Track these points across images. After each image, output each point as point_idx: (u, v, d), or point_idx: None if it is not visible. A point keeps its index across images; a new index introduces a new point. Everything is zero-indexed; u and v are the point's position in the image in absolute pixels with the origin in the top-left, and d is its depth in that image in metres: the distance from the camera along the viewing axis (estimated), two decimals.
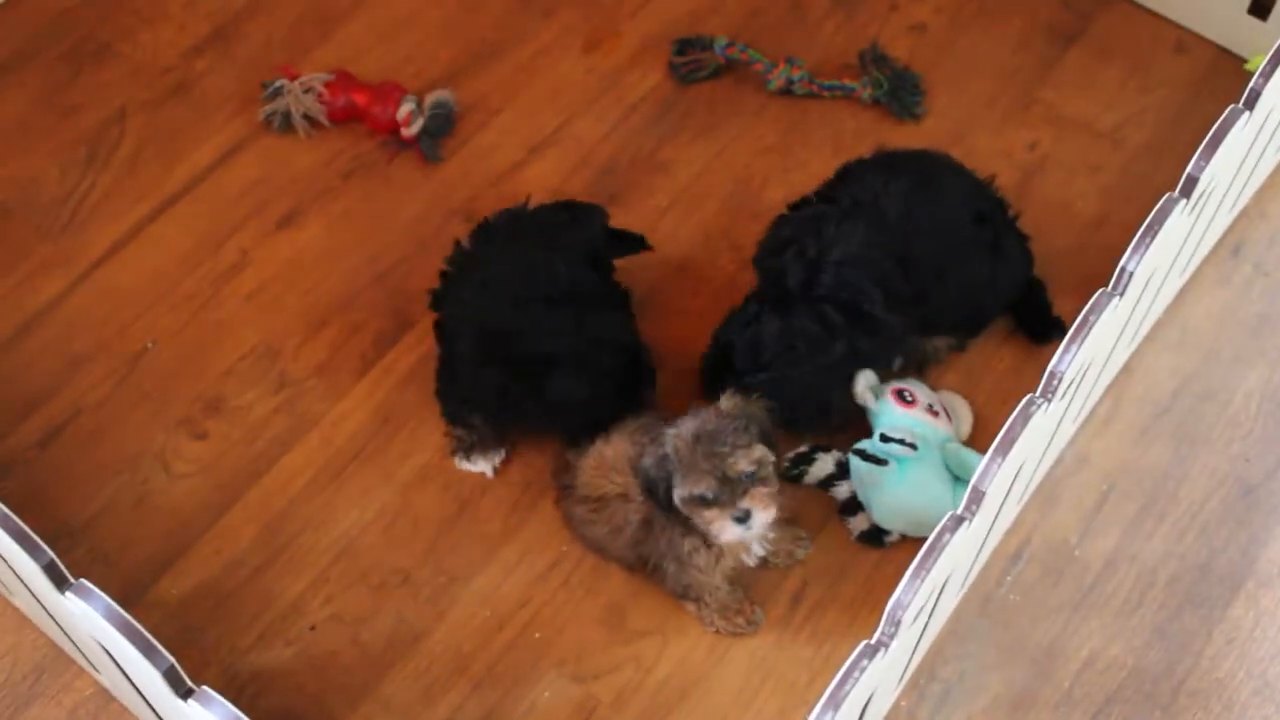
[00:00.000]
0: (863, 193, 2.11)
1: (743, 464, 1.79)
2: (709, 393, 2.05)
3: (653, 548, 1.96)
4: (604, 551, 2.05)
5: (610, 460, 1.98)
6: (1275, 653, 2.02)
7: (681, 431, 1.82)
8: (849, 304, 2.04)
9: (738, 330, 2.09)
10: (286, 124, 2.45)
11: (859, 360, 2.09)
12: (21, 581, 1.71)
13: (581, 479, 2.01)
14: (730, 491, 1.79)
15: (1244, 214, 2.38)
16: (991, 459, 1.58)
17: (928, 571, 1.51)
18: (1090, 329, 1.66)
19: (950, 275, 2.10)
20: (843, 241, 2.05)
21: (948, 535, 1.54)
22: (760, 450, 1.81)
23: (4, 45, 2.58)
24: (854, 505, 2.09)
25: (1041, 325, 2.24)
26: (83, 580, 1.53)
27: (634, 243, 2.25)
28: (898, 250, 2.07)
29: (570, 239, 2.12)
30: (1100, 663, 2.01)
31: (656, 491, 1.84)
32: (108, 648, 1.59)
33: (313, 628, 2.04)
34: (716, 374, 2.10)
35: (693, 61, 2.52)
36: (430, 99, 2.46)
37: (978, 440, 2.15)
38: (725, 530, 1.82)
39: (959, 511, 1.57)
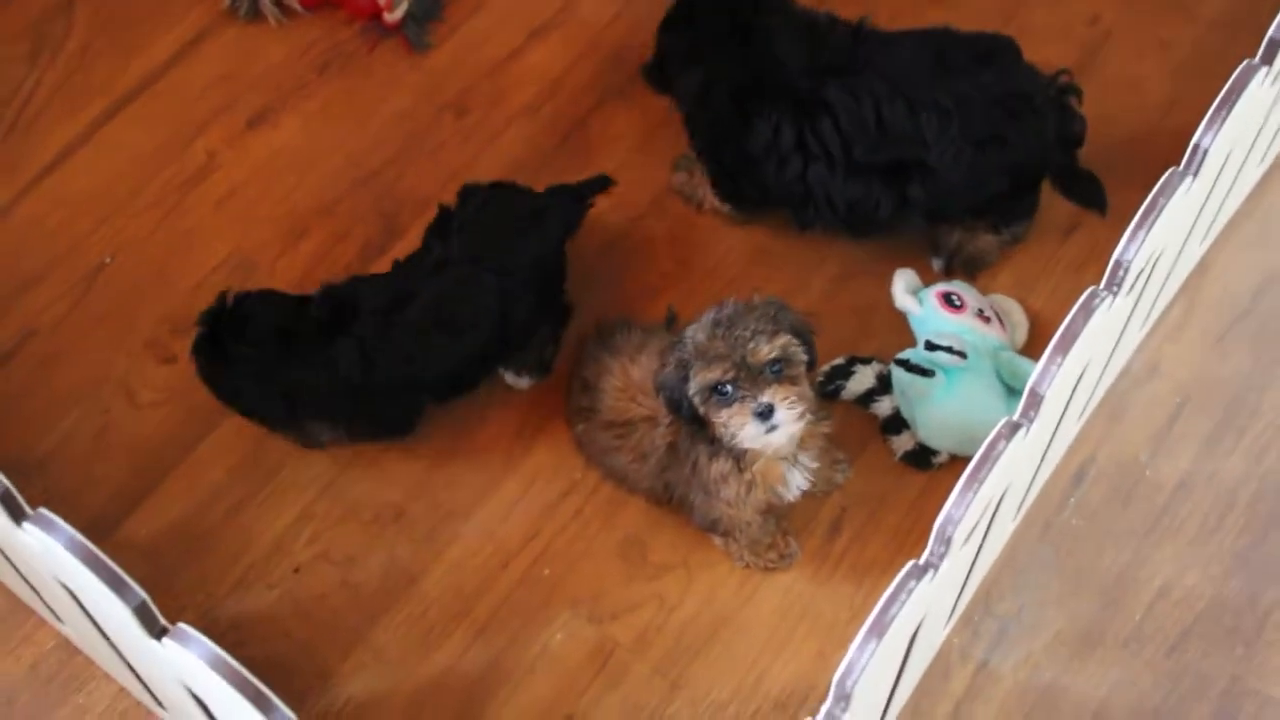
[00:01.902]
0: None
1: (764, 350, 1.77)
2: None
3: (678, 475, 1.97)
4: (626, 481, 2.07)
5: (638, 381, 1.98)
6: None
7: (701, 323, 1.82)
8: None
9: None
10: (254, 10, 2.46)
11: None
12: None
13: (606, 402, 2.01)
14: (751, 382, 1.78)
15: None
16: (1050, 358, 1.59)
17: (980, 483, 1.52)
18: (1160, 212, 1.66)
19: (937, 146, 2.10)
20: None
21: (1003, 443, 1.54)
22: (785, 339, 1.79)
23: None
24: (897, 423, 2.10)
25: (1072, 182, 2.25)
26: (42, 510, 1.54)
27: (598, 185, 2.24)
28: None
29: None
30: (1175, 593, 2.02)
31: (677, 400, 1.83)
32: (71, 586, 1.60)
33: (297, 569, 2.06)
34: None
35: None
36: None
37: (1034, 349, 2.15)
38: (745, 429, 1.79)
39: (1015, 418, 1.58)
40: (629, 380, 1.99)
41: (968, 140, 2.06)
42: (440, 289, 2.01)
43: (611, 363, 2.02)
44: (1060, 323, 1.66)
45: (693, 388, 1.79)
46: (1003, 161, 2.09)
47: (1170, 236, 1.80)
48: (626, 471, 2.04)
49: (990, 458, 1.54)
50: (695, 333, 1.81)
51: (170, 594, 2.03)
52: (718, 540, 2.03)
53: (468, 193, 2.11)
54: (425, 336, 2.00)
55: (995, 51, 2.13)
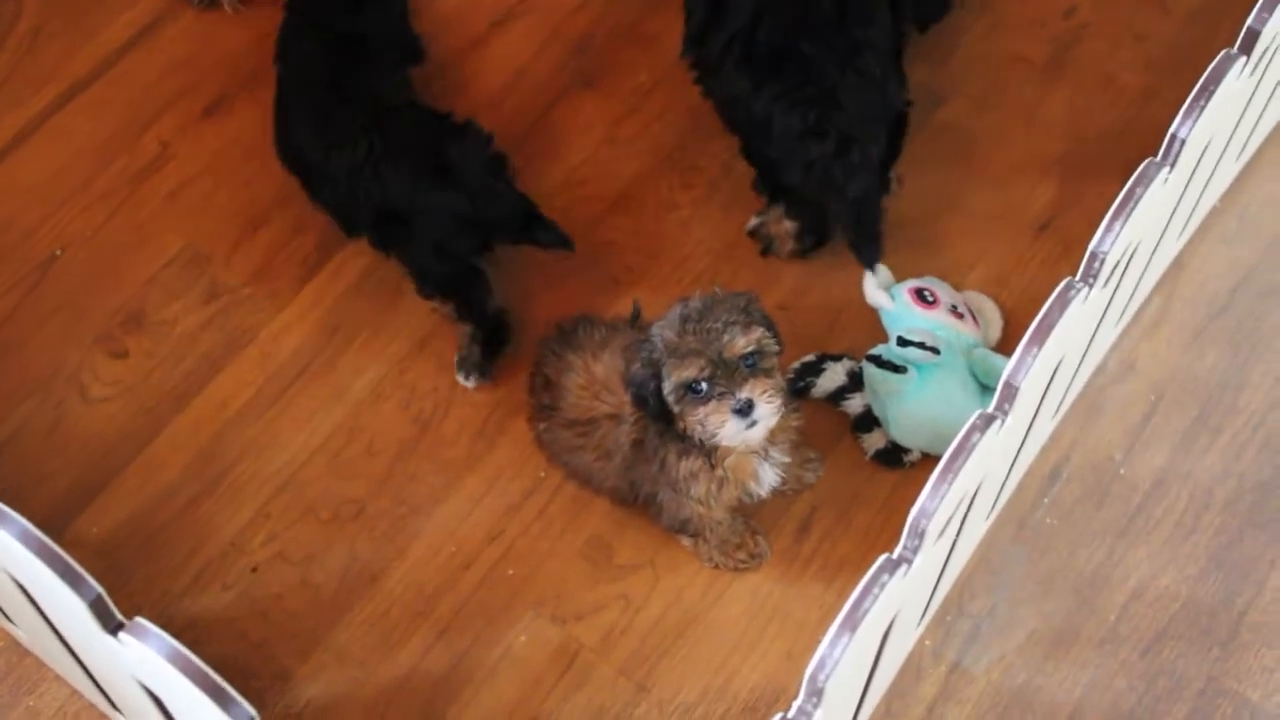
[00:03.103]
0: None
1: (740, 343, 1.78)
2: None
3: (644, 473, 1.98)
4: (590, 481, 2.08)
5: (601, 378, 1.99)
6: None
7: (669, 319, 1.82)
8: None
9: None
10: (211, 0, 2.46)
11: None
12: None
13: (568, 400, 2.02)
14: (727, 378, 1.78)
15: None
16: (1025, 350, 1.61)
17: (955, 475, 1.54)
18: (1137, 202, 1.68)
19: None
20: None
21: (977, 435, 1.56)
22: (760, 332, 1.80)
23: None
24: (868, 421, 2.12)
25: None
26: None
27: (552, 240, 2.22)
28: None
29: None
30: (1149, 594, 2.04)
31: (646, 397, 1.84)
32: (23, 581, 1.61)
33: (255, 568, 2.07)
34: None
35: None
36: None
37: (1008, 346, 2.17)
38: (725, 427, 1.80)
39: (991, 410, 1.60)
40: (591, 377, 2.00)
41: None
42: None
43: (574, 359, 2.02)
44: (1034, 318, 1.68)
45: (667, 386, 1.79)
46: None
47: (1147, 228, 1.83)
48: (591, 470, 2.05)
49: (965, 449, 1.55)
50: (664, 329, 1.81)
51: (124, 593, 2.04)
52: (686, 541, 2.05)
53: None
54: None
55: None
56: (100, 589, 1.51)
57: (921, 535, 1.52)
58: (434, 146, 2.13)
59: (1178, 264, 2.27)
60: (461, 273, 2.17)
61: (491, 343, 2.19)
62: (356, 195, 2.14)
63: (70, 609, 1.54)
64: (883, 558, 1.51)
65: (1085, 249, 1.73)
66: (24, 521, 1.53)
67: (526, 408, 2.14)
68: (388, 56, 2.26)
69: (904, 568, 1.51)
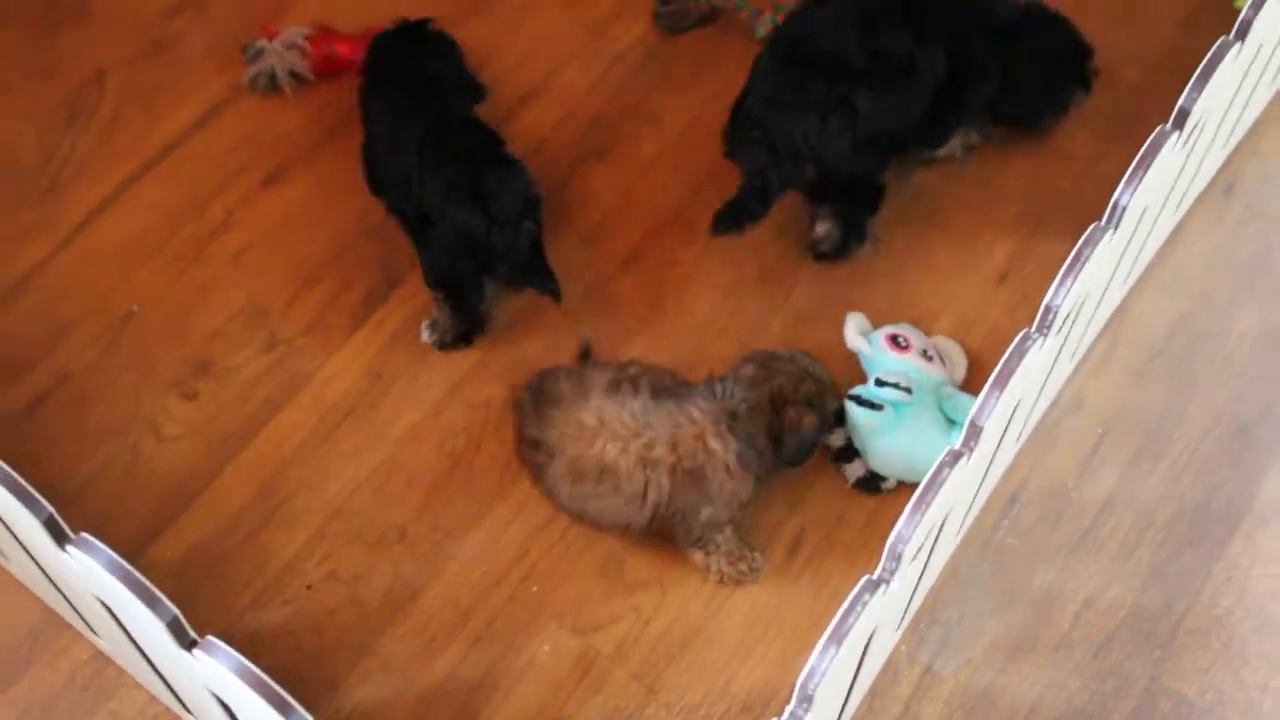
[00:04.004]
0: None
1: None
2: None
3: (686, 499, 1.95)
4: (602, 521, 2.03)
5: (594, 425, 1.95)
6: (1274, 589, 2.05)
7: (765, 374, 1.99)
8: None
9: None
10: (272, 85, 2.47)
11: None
12: (18, 541, 1.73)
13: (566, 455, 1.98)
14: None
15: (1237, 151, 2.41)
16: (989, 393, 1.62)
17: (928, 506, 1.55)
18: (1084, 262, 1.69)
19: None
20: None
21: (946, 471, 1.57)
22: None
23: None
24: (850, 452, 2.13)
25: None
26: (84, 534, 1.56)
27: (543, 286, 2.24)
28: None
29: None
30: (1099, 604, 2.04)
31: (804, 451, 2.00)
32: (108, 602, 1.62)
33: (309, 587, 2.07)
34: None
35: (677, 10, 2.55)
36: None
37: (973, 384, 2.18)
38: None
39: (957, 448, 1.61)
40: (583, 427, 1.97)
41: None
42: None
43: (556, 414, 1.99)
44: (996, 361, 1.68)
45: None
46: None
47: (1094, 283, 1.84)
48: (611, 514, 2.00)
49: (936, 483, 1.56)
50: (783, 383, 1.98)
51: (194, 610, 1.99)
52: (698, 556, 2.04)
53: None
54: None
55: None
56: (176, 610, 1.52)
57: (898, 559, 1.53)
58: (477, 169, 2.13)
59: (1121, 311, 2.27)
60: (463, 279, 2.20)
61: (463, 335, 2.23)
62: (408, 196, 2.16)
63: (149, 627, 1.55)
64: (864, 579, 1.52)
65: (1040, 298, 1.73)
66: (109, 551, 1.54)
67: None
68: (455, 94, 2.28)
69: (883, 587, 1.52)
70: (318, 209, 2.38)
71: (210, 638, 1.51)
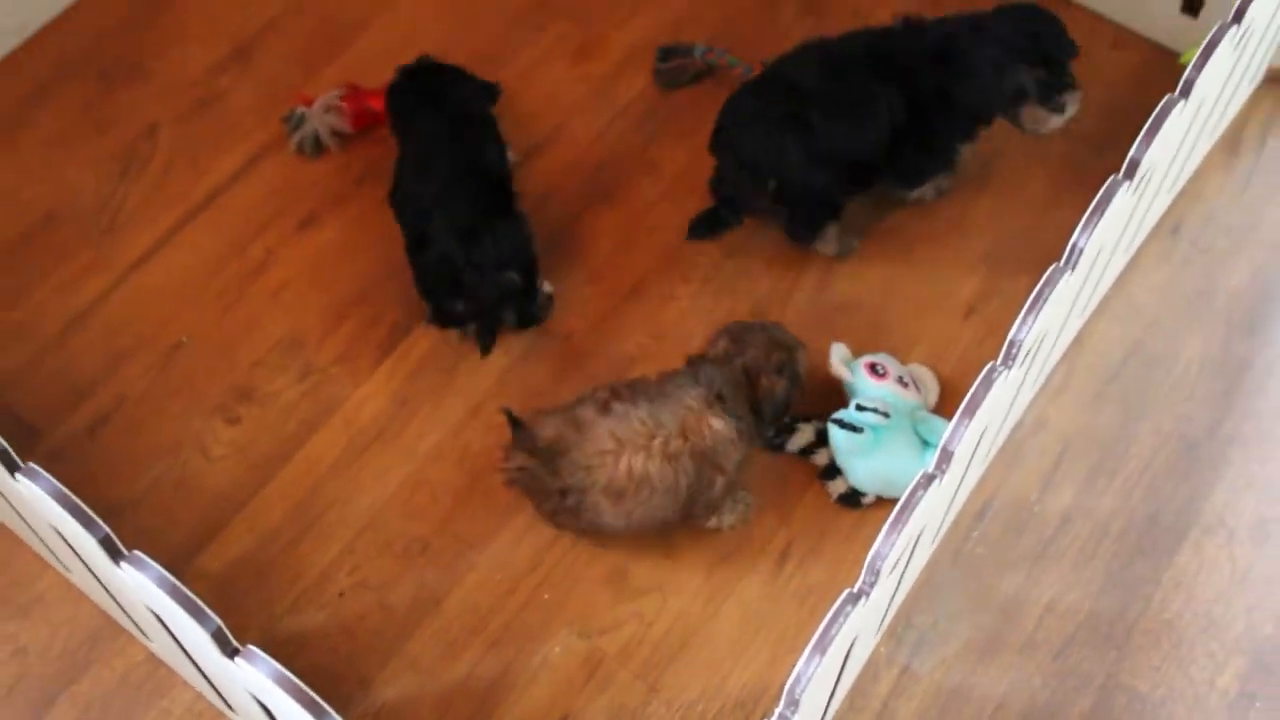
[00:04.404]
0: None
1: None
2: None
3: (703, 480, 1.96)
4: (647, 525, 2.00)
5: (608, 442, 1.93)
6: (1218, 594, 2.04)
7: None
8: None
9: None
10: (317, 147, 2.46)
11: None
12: (78, 556, 1.73)
13: (600, 482, 1.94)
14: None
15: (1182, 194, 2.41)
16: (959, 421, 1.61)
17: (904, 525, 1.54)
18: (1045, 301, 1.68)
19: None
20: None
21: (921, 492, 1.56)
22: None
23: (46, 65, 2.59)
24: (833, 470, 2.12)
25: None
26: (136, 551, 1.55)
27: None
28: None
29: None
30: (1060, 608, 2.03)
31: (781, 411, 2.04)
32: (159, 613, 1.61)
33: (342, 594, 2.06)
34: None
35: (676, 67, 2.54)
36: None
37: (945, 408, 2.18)
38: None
39: (930, 470, 1.60)
40: (604, 452, 1.94)
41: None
42: None
43: (570, 458, 1.95)
44: (966, 387, 1.67)
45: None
46: None
47: (1054, 319, 1.83)
48: (659, 512, 1.98)
49: (911, 504, 1.55)
50: (754, 354, 2.03)
51: (238, 614, 2.03)
52: (711, 521, 2.05)
53: None
54: None
55: None
56: (220, 622, 1.51)
57: (877, 573, 1.52)
58: (481, 213, 2.15)
59: (1079, 340, 2.27)
60: (439, 297, 2.23)
61: (445, 326, 2.27)
62: (419, 216, 2.19)
63: (196, 637, 1.54)
64: (845, 592, 1.51)
65: (1005, 329, 1.72)
66: (159, 568, 1.53)
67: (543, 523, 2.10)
68: (474, 96, 2.34)
69: (863, 599, 1.51)
70: (347, 251, 2.37)
71: (251, 647, 1.50)
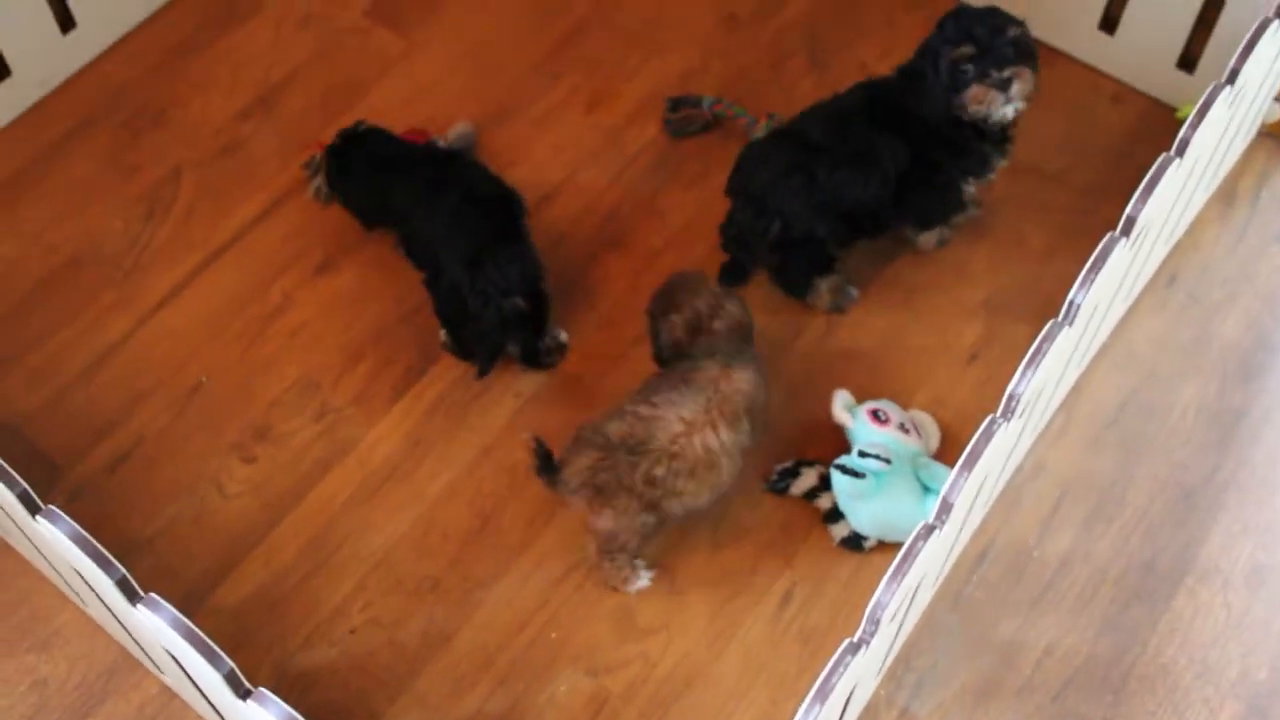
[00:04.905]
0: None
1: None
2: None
3: (756, 420, 2.01)
4: (723, 490, 2.00)
5: (691, 419, 1.94)
6: (1213, 639, 2.02)
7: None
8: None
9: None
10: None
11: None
12: (95, 594, 1.72)
13: (684, 467, 1.93)
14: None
15: (1178, 246, 2.40)
16: (958, 474, 1.60)
17: (904, 575, 1.52)
18: (1044, 356, 1.67)
19: None
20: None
21: (921, 543, 1.55)
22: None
23: (74, 112, 2.59)
24: (835, 514, 2.10)
25: None
26: (151, 594, 1.54)
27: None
28: None
29: None
30: (1057, 652, 2.01)
31: (748, 331, 2.12)
32: (174, 653, 1.60)
33: (353, 630, 2.05)
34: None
35: (684, 118, 2.54)
36: (452, 132, 2.49)
37: (946, 453, 2.16)
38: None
39: (930, 521, 1.58)
40: (676, 434, 1.93)
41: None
42: None
43: (645, 454, 1.92)
44: (967, 432, 1.66)
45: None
46: None
47: (1052, 371, 1.81)
48: (736, 472, 1.99)
49: (912, 554, 1.54)
50: (698, 306, 2.10)
51: (252, 650, 2.03)
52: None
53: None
54: None
55: None
56: (232, 664, 1.50)
57: (877, 623, 1.50)
58: (486, 240, 2.14)
59: (1077, 387, 2.25)
60: (457, 323, 2.24)
61: (464, 356, 2.27)
62: (430, 253, 2.20)
63: (209, 677, 1.52)
64: (846, 642, 1.49)
65: (1004, 376, 1.71)
66: (173, 610, 1.52)
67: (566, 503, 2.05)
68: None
69: (863, 648, 1.49)
70: (363, 295, 2.36)
71: (262, 689, 1.48)
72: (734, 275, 2.34)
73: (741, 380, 1.99)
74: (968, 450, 1.62)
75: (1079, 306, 1.72)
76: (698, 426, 1.94)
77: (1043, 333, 1.71)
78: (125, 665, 2.03)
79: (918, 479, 2.07)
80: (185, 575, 2.10)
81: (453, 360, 2.28)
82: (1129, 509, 2.14)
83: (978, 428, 1.65)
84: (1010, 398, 1.66)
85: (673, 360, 2.09)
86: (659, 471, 1.92)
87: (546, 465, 1.94)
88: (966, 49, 2.08)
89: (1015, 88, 2.09)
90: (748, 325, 2.12)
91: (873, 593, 1.54)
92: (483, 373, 2.22)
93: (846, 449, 2.11)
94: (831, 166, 2.17)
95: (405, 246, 2.31)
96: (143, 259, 2.42)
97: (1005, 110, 2.12)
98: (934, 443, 2.17)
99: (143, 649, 1.88)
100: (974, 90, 2.10)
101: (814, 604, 2.05)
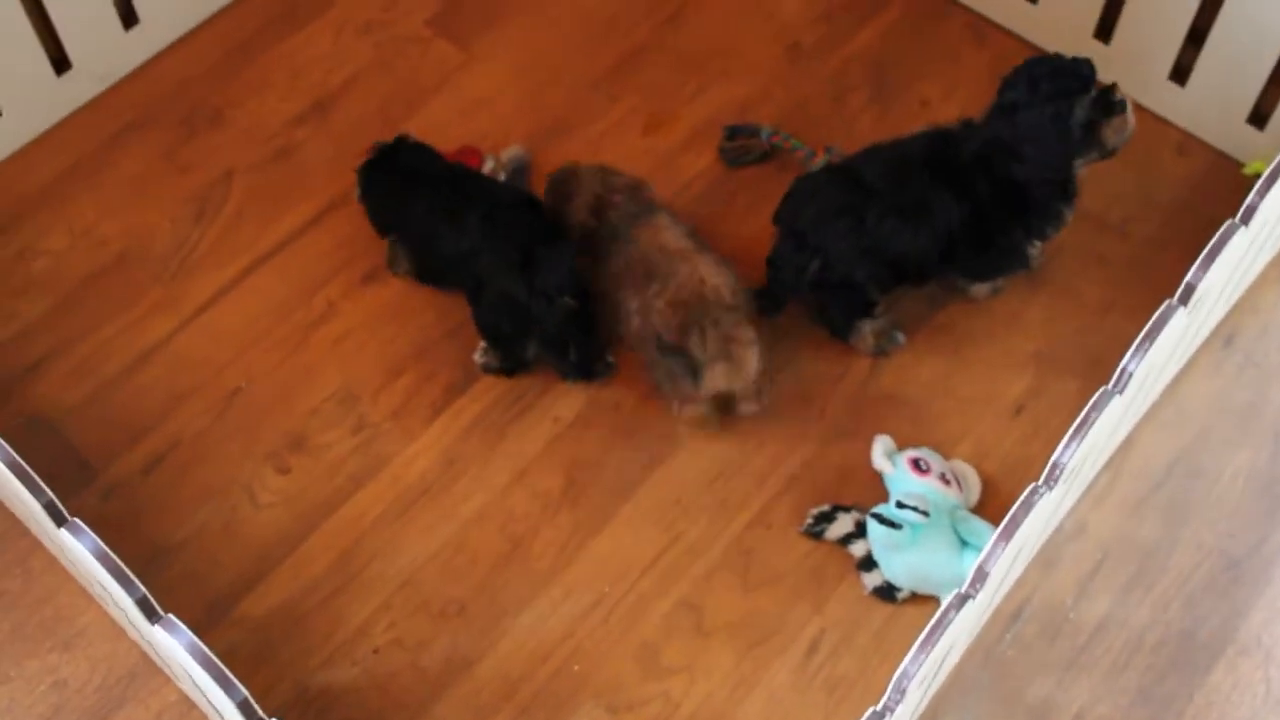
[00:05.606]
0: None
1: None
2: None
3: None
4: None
5: (707, 277, 2.09)
6: (1251, 715, 1.97)
7: None
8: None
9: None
10: None
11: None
12: (117, 606, 1.70)
13: (706, 318, 2.06)
14: None
15: (1236, 307, 2.33)
16: (996, 543, 1.55)
17: (933, 645, 1.48)
18: (1091, 425, 1.62)
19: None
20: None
21: (953, 613, 1.50)
22: None
23: (131, 108, 2.58)
24: (869, 562, 2.06)
25: None
26: (170, 616, 1.52)
27: None
28: None
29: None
30: (1089, 718, 1.96)
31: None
32: (189, 672, 1.58)
33: (376, 650, 2.02)
34: None
35: (740, 146, 2.50)
36: (505, 154, 2.45)
37: (986, 505, 2.11)
38: None
39: (964, 590, 1.54)
40: (702, 280, 2.09)
41: None
42: None
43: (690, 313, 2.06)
44: (1009, 486, 1.63)
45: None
46: None
47: (1099, 438, 1.76)
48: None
49: (943, 625, 1.49)
50: (594, 190, 2.22)
51: (274, 664, 2.01)
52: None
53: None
54: None
55: None
56: (246, 692, 1.48)
57: (903, 693, 1.46)
58: (528, 244, 2.11)
59: (1125, 445, 2.19)
60: (505, 336, 2.21)
61: (507, 371, 2.25)
62: (469, 269, 2.16)
63: (222, 702, 1.50)
64: (869, 711, 1.45)
65: (1052, 429, 1.67)
66: (191, 634, 1.50)
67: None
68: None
69: (888, 716, 1.45)
70: (408, 308, 2.34)
71: None
72: (770, 305, 2.26)
73: (679, 246, 2.13)
74: (1007, 519, 1.57)
75: (1131, 375, 1.67)
76: (706, 275, 2.07)
77: (1092, 400, 1.65)
78: (146, 670, 2.01)
79: (956, 533, 2.03)
80: (212, 583, 2.08)
81: (493, 380, 2.25)
82: (1170, 575, 2.08)
83: (1019, 482, 1.61)
84: (1054, 466, 1.62)
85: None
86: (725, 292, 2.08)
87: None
88: (1082, 96, 2.08)
89: (1128, 104, 2.12)
90: (636, 183, 2.22)
91: (904, 647, 1.50)
92: (581, 371, 2.22)
93: (885, 495, 2.07)
94: (881, 213, 2.12)
95: (422, 268, 2.31)
96: (190, 260, 2.40)
97: (1131, 125, 2.14)
98: (974, 495, 2.12)
99: (162, 658, 1.86)
100: (1116, 120, 2.10)
101: (842, 653, 2.01)
